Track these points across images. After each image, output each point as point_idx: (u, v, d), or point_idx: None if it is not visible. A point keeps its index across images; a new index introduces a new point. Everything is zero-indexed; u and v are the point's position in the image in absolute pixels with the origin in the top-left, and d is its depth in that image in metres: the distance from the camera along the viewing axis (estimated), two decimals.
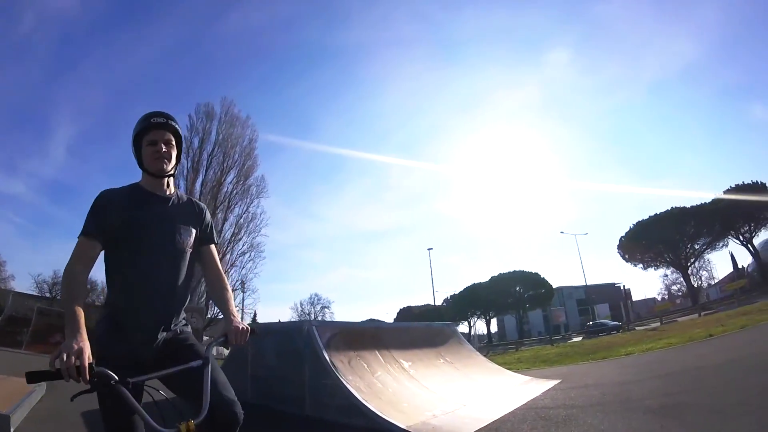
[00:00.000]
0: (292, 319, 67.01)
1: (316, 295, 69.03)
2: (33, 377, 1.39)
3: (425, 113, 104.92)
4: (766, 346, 7.71)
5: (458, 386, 6.50)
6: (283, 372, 6.57)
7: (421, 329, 8.64)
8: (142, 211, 1.83)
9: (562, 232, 60.86)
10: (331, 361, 5.50)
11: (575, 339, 26.53)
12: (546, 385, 7.05)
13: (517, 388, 6.83)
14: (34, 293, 44.11)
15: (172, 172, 1.95)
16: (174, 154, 1.94)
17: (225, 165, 35.64)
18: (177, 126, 1.94)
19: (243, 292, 35.25)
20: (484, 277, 61.38)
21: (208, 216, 2.06)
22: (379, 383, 5.67)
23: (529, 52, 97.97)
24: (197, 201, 2.10)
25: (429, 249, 49.37)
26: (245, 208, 35.60)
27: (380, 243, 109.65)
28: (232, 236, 34.75)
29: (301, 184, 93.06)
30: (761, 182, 45.53)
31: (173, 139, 1.93)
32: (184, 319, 1.96)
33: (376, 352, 6.45)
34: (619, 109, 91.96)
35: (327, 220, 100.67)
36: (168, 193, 1.96)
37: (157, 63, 73.99)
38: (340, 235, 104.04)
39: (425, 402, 5.48)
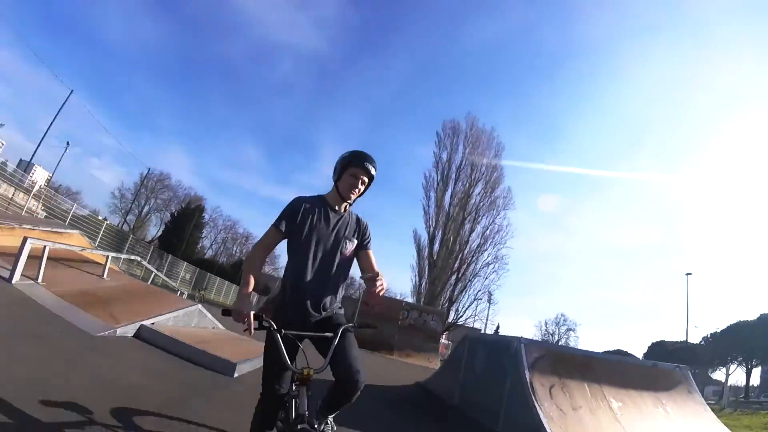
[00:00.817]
0: (535, 337, 65.77)
1: (562, 315, 66.62)
2: (223, 312, 2.29)
3: (685, 111, 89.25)
4: None
5: None
6: (487, 384, 6.68)
7: (644, 367, 7.54)
8: (321, 221, 2.48)
9: None
10: (531, 381, 5.40)
11: None
12: None
13: None
14: None
15: (353, 201, 2.59)
16: (362, 190, 2.56)
17: (473, 177, 37.75)
18: (375, 173, 2.52)
19: (489, 303, 36.73)
20: (753, 314, 50.31)
21: (369, 231, 2.66)
22: (577, 417, 5.24)
23: None
24: (361, 218, 2.67)
25: (687, 274, 41.96)
26: (491, 220, 37.07)
27: (633, 263, 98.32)
28: (477, 247, 36.47)
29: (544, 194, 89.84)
30: None
31: (368, 181, 2.55)
32: (338, 304, 2.54)
33: (585, 384, 5.97)
34: None
35: (574, 233, 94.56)
36: (342, 210, 2.57)
37: (403, 85, 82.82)
38: (587, 249, 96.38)
39: None
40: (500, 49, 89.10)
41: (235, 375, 5.50)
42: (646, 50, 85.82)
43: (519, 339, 6.18)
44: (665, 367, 7.33)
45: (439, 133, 38.78)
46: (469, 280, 35.45)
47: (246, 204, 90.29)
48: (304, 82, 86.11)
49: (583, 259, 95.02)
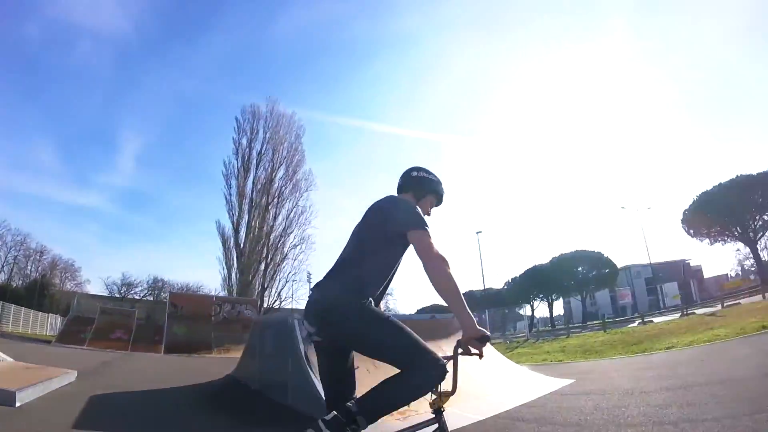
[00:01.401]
0: None
1: None
2: (485, 339, 1.82)
3: (480, 90, 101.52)
4: None
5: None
6: (277, 362, 6.63)
7: (424, 323, 8.33)
8: None
9: (623, 208, 57.35)
10: (306, 353, 5.46)
11: (632, 325, 25.03)
12: (551, 386, 6.69)
13: (512, 391, 6.38)
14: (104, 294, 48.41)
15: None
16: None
17: (275, 162, 37.20)
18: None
19: (309, 282, 36.54)
20: (545, 259, 59.62)
21: None
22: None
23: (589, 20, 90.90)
24: None
25: (477, 232, 48.29)
26: (295, 203, 37.15)
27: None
28: (283, 230, 36.44)
29: (362, 174, 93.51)
30: None
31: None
32: None
33: None
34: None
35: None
36: None
37: (212, 72, 77.66)
38: None
39: None
40: (314, 37, 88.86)
41: (18, 404, 4.78)
42: (450, 44, 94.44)
43: (293, 314, 6.31)
44: (445, 319, 8.18)
45: (239, 119, 37.33)
46: (279, 265, 35.91)
47: (39, 213, 75.76)
48: (105, 69, 74.13)
49: None
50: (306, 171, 38.05)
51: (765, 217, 45.24)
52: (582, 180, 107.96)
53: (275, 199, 36.40)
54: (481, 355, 1.84)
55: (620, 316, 43.66)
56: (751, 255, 49.11)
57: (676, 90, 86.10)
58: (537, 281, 56.08)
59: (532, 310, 61.97)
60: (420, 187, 2.43)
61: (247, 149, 36.68)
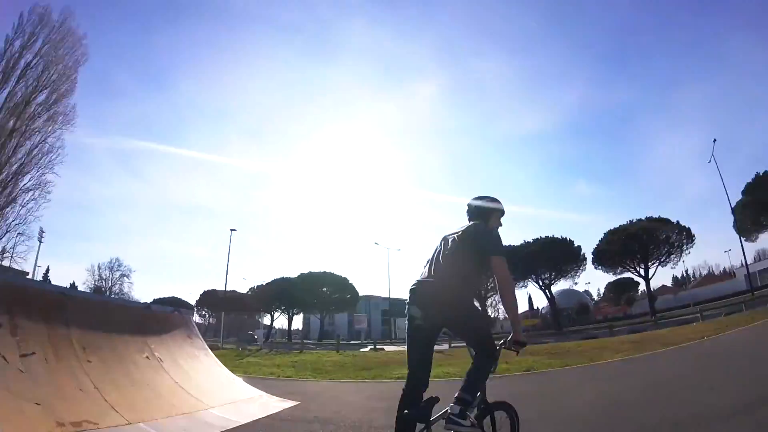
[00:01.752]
0: (87, 283, 59.25)
1: (117, 260, 63.50)
2: (522, 344, 2.83)
3: (279, 101, 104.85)
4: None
5: (142, 397, 4.61)
6: None
7: (137, 309, 6.34)
8: None
9: (376, 243, 62.41)
10: None
11: (365, 350, 26.52)
12: (270, 408, 5.70)
13: (225, 412, 5.15)
14: None
15: None
16: None
17: (40, 81, 28.62)
18: None
19: (41, 241, 29.21)
20: (294, 273, 60.57)
21: None
22: (26, 365, 3.81)
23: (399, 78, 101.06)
24: None
25: (232, 230, 44.76)
26: (44, 138, 28.75)
27: (197, 219, 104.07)
28: (21, 167, 27.87)
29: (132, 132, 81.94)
30: (569, 239, 53.79)
31: None
32: None
33: (47, 327, 4.40)
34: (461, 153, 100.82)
35: (150, 182, 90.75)
36: None
37: None
38: (158, 201, 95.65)
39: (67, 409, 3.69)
40: None
41: None
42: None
43: None
44: (161, 311, 6.39)
45: (24, 15, 28.56)
46: (2, 208, 27.74)
47: None
48: None
49: (151, 209, 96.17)
50: (71, 105, 29.91)
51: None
52: (349, 209, 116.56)
53: (24, 126, 27.71)
54: (517, 353, 2.90)
55: (354, 340, 46.39)
56: None
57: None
58: (282, 292, 56.23)
59: (272, 320, 62.00)
60: (484, 214, 3.18)
61: (17, 54, 27.48)
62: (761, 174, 43.89)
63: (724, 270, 76.50)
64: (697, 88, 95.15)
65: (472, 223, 3.11)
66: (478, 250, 2.84)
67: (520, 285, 55.89)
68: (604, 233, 53.32)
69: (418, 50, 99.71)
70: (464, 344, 3.01)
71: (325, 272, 57.81)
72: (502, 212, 3.23)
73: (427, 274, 2.90)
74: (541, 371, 10.05)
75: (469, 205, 3.24)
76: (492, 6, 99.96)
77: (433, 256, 3.01)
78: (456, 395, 2.55)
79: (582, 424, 4.36)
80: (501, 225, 3.21)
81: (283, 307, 58.92)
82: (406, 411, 2.60)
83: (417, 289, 2.80)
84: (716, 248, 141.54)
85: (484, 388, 2.74)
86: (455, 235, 2.99)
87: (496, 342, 2.82)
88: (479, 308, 3.45)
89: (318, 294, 57.09)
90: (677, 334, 15.83)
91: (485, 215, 3.15)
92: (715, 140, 39.68)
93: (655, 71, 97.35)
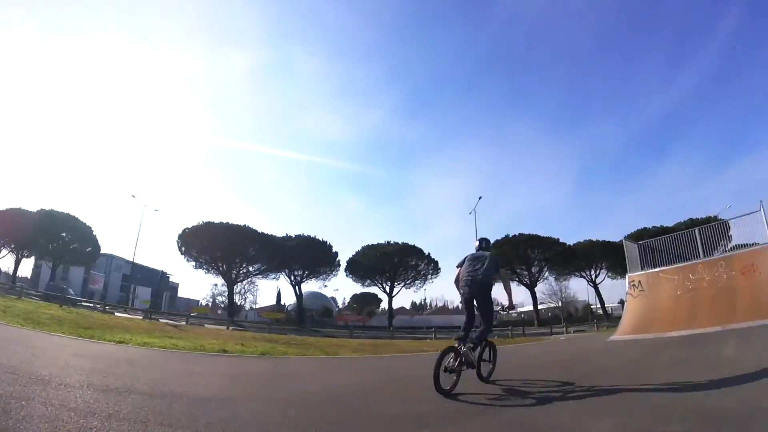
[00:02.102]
0: None
1: None
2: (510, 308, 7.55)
3: None
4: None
5: None
6: None
7: None
8: None
9: (133, 197, 53.78)
10: None
11: (94, 312, 23.27)
12: None
13: None
14: None
15: None
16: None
17: None
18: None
19: None
20: (32, 206, 50.69)
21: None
22: None
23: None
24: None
25: None
26: None
27: None
28: None
29: None
30: (329, 243, 55.67)
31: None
32: None
33: None
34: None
35: None
36: None
37: None
38: None
39: None
40: None
41: None
42: None
43: None
44: None
45: None
46: None
47: None
48: None
49: None
50: None
51: (250, 268, 54.31)
52: (107, 150, 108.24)
53: None
54: (507, 312, 9.67)
55: (88, 299, 40.47)
56: (226, 293, 56.83)
57: None
58: (14, 226, 45.41)
59: None
60: (490, 248, 6.33)
61: None
62: (510, 236, 54.18)
63: (457, 306, 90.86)
64: (475, 149, 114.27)
65: (489, 253, 5.89)
66: (495, 266, 5.66)
67: (272, 276, 56.88)
68: (362, 246, 57.39)
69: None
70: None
71: (69, 215, 49.40)
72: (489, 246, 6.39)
73: (473, 272, 5.59)
74: (276, 356, 10.27)
75: (481, 239, 6.24)
76: None
77: (471, 264, 5.71)
78: (474, 337, 5.36)
79: (315, 407, 4.27)
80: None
81: (13, 246, 47.51)
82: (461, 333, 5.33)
83: (471, 279, 5.54)
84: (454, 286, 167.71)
85: (484, 338, 5.53)
86: (484, 258, 5.71)
87: (494, 309, 5.91)
88: (493, 299, 5.88)
89: (56, 238, 48.30)
90: (412, 345, 18.08)
91: (491, 248, 6.33)
92: (480, 197, 46.20)
93: (445, 125, 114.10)
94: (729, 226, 15.28)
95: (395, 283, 56.86)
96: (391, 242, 56.81)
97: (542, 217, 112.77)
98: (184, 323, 24.88)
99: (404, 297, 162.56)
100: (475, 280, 5.46)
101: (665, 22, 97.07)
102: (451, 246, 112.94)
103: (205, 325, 28.36)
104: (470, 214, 45.74)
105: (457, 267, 5.90)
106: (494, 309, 5.79)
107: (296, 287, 56.77)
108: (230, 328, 27.48)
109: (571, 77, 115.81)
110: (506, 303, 5.97)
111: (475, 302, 5.51)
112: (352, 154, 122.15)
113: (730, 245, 16.56)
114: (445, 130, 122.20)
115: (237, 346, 11.72)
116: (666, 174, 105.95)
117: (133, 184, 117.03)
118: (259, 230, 52.97)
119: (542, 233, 54.71)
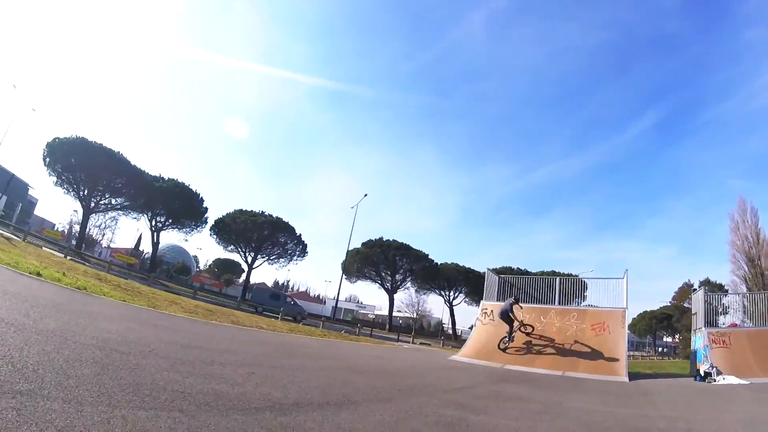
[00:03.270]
0: None
1: None
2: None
3: None
4: None
5: None
6: None
7: None
8: None
9: (14, 87, 45.79)
10: None
11: None
12: None
13: None
14: None
15: None
16: None
17: None
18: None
19: None
20: None
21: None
22: None
23: None
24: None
25: None
26: None
27: None
28: None
29: None
30: (200, 195, 52.82)
31: None
32: None
33: None
34: None
35: None
36: None
37: None
38: None
39: None
40: None
41: None
42: None
43: None
44: None
45: None
46: None
47: None
48: None
49: None
50: None
51: (113, 200, 49.38)
52: None
53: None
54: (522, 331, 15.14)
55: None
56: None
57: None
58: None
59: None
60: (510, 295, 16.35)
61: None
62: (384, 239, 54.99)
63: (319, 296, 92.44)
64: (378, 156, 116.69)
65: (511, 297, 15.24)
66: (514, 302, 14.67)
67: (133, 216, 52.91)
68: (234, 209, 54.67)
69: None
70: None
71: None
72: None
73: (503, 306, 14.70)
74: (89, 293, 9.60)
75: (511, 297, 15.25)
76: None
77: (505, 302, 14.76)
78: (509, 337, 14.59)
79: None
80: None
81: None
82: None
83: (503, 311, 14.51)
84: (320, 278, 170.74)
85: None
86: (510, 299, 14.79)
87: (514, 326, 14.53)
88: (514, 319, 13.81)
89: None
90: (252, 319, 17.15)
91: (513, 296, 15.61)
92: (366, 194, 46.78)
93: (354, 125, 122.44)
94: (587, 286, 16.63)
95: (259, 256, 54.85)
96: (265, 213, 54.44)
97: (421, 234, 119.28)
98: (20, 239, 21.59)
99: (268, 273, 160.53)
100: (504, 310, 14.29)
101: (583, 107, 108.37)
102: (323, 239, 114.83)
103: (44, 248, 24.98)
104: (352, 208, 45.80)
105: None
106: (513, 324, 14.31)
107: (155, 233, 52.35)
108: (68, 257, 24.50)
109: (486, 123, 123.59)
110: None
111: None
112: (255, 121, 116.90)
113: (584, 303, 17.99)
114: (353, 129, 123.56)
115: (57, 274, 10.37)
116: (541, 230, 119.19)
117: (18, 76, 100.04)
118: (133, 162, 47.47)
119: (416, 247, 56.06)
